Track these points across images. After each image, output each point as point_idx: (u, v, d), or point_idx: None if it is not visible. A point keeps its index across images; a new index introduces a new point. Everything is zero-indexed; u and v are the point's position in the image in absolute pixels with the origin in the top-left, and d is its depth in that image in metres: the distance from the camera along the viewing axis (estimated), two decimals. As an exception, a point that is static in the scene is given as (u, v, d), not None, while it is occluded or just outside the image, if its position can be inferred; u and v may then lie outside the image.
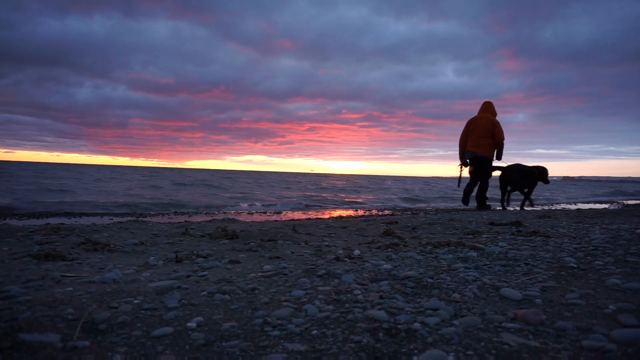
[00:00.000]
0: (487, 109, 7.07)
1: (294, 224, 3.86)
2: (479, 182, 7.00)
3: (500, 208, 7.28)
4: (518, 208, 7.31)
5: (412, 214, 6.53)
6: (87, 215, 7.29)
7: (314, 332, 1.12)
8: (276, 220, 5.49)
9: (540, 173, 7.06)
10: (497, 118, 7.09)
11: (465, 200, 7.25)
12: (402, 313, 1.25)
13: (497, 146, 6.78)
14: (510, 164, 7.19)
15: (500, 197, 7.33)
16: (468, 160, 7.01)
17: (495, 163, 6.97)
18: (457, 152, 7.16)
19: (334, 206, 12.04)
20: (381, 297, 1.41)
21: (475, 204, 7.22)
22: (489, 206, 7.16)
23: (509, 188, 7.23)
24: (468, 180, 7.10)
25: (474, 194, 7.11)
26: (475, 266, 1.92)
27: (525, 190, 7.19)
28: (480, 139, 6.77)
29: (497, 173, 7.22)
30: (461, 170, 7.16)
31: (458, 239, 2.81)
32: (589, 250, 2.24)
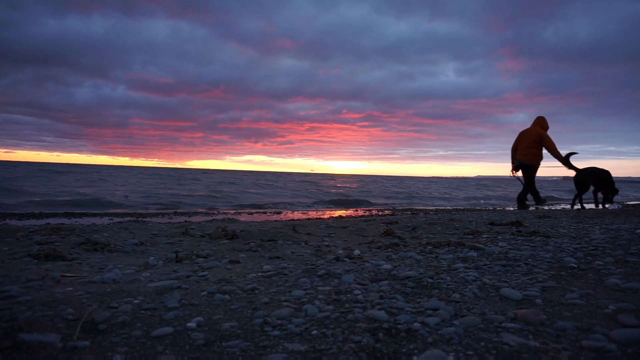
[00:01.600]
0: (539, 123, 7.89)
1: (294, 224, 3.86)
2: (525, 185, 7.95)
3: (570, 207, 7.77)
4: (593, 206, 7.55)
5: (412, 214, 6.53)
6: (87, 215, 7.29)
7: (314, 332, 1.12)
8: (276, 220, 5.49)
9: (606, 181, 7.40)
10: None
11: (520, 206, 7.97)
12: (402, 313, 1.25)
13: (554, 156, 7.56)
14: (585, 167, 7.57)
15: (573, 197, 7.71)
16: (516, 166, 7.96)
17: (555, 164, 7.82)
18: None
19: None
20: (381, 297, 1.41)
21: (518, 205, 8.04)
22: (528, 206, 7.86)
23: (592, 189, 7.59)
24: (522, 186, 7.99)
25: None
26: (475, 266, 1.92)
27: (601, 191, 7.45)
28: (527, 149, 7.67)
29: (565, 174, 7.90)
30: (514, 173, 8.07)
31: (458, 239, 2.81)
32: (589, 250, 2.24)
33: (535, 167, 7.73)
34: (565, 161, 7.45)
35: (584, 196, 7.54)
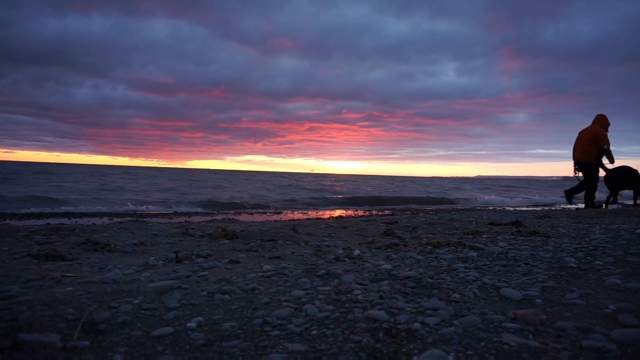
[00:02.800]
0: (597, 121, 7.82)
1: (294, 224, 3.86)
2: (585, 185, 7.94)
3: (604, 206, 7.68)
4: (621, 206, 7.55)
5: (412, 214, 6.53)
6: (87, 215, 7.29)
7: (314, 332, 1.12)
8: (276, 220, 5.49)
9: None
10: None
11: (567, 198, 8.20)
12: (402, 313, 1.25)
13: (603, 154, 7.56)
14: (617, 166, 7.61)
15: (607, 196, 7.75)
16: (575, 165, 7.97)
17: (609, 166, 7.72)
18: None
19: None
20: (381, 297, 1.41)
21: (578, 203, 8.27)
22: (599, 205, 7.69)
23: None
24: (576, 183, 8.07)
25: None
26: (475, 266, 1.92)
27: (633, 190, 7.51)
28: (583, 147, 7.69)
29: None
30: (576, 173, 8.00)
31: (458, 239, 2.81)
32: (589, 250, 2.24)
33: (593, 165, 7.62)
34: (611, 161, 7.53)
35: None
